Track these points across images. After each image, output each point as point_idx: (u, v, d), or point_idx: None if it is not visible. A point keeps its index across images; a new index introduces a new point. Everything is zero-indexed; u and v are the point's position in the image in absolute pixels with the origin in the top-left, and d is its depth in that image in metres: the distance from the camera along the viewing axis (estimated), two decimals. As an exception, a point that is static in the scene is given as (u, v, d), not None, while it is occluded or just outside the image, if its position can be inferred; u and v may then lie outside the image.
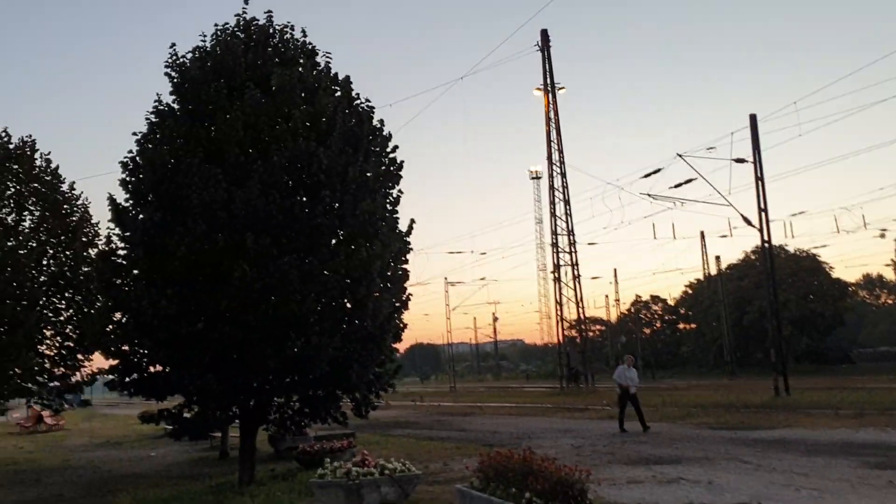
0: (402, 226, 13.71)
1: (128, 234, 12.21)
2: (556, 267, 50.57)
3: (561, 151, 50.60)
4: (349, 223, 12.04)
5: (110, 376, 12.95)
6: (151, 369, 12.92)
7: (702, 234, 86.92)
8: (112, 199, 12.77)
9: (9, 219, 22.10)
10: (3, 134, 22.87)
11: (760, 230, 29.66)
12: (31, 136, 25.19)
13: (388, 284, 13.30)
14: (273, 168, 11.74)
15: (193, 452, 21.77)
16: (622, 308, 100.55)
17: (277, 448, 19.15)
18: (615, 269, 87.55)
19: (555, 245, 50.45)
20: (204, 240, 11.53)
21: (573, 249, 50.29)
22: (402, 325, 14.17)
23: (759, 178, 28.87)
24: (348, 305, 12.17)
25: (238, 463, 13.59)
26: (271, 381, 12.07)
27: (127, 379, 12.58)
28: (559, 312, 50.60)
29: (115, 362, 13.02)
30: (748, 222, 28.41)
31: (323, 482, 9.70)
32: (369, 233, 12.23)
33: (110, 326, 12.94)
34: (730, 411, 25.45)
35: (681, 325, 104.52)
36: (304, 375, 12.16)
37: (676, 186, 25.82)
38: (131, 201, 12.69)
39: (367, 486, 9.44)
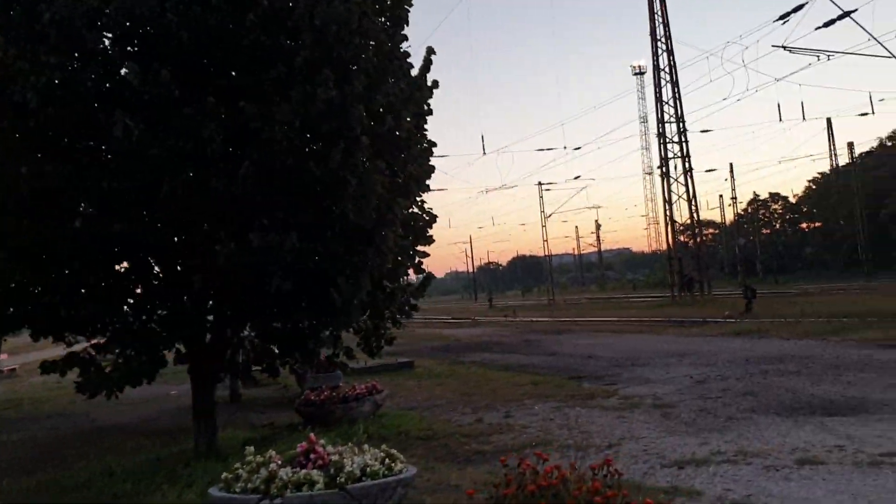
0: (417, 57, 8.81)
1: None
2: (664, 160, 44.23)
3: (666, 24, 43.58)
4: (306, 41, 7.18)
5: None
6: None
7: (828, 120, 77.54)
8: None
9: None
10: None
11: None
12: None
13: (399, 152, 8.47)
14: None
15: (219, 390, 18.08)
16: (739, 208, 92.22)
17: (303, 389, 15.04)
18: (731, 164, 78.87)
19: (661, 135, 43.97)
20: (66, 82, 6.97)
21: (683, 139, 43.74)
22: (426, 217, 9.42)
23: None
24: (317, 182, 7.40)
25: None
26: (204, 305, 7.62)
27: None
28: (668, 213, 44.54)
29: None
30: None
31: (222, 498, 5.24)
32: (342, 58, 7.37)
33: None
34: (897, 322, 19.60)
35: (803, 225, 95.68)
36: (252, 297, 7.62)
37: (825, 25, 19.52)
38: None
39: (298, 508, 4.93)
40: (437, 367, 18.40)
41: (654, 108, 44.90)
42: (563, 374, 15.48)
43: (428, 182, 9.32)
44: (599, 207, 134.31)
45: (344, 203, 7.34)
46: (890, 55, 20.80)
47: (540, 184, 71.07)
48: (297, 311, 7.86)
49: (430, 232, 9.69)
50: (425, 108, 8.96)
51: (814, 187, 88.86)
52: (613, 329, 27.44)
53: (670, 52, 43.97)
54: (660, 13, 44.04)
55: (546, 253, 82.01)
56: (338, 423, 10.42)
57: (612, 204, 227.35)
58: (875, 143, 78.82)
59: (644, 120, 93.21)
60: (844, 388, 10.83)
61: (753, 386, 11.72)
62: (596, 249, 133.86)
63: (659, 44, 44.25)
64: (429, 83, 8.95)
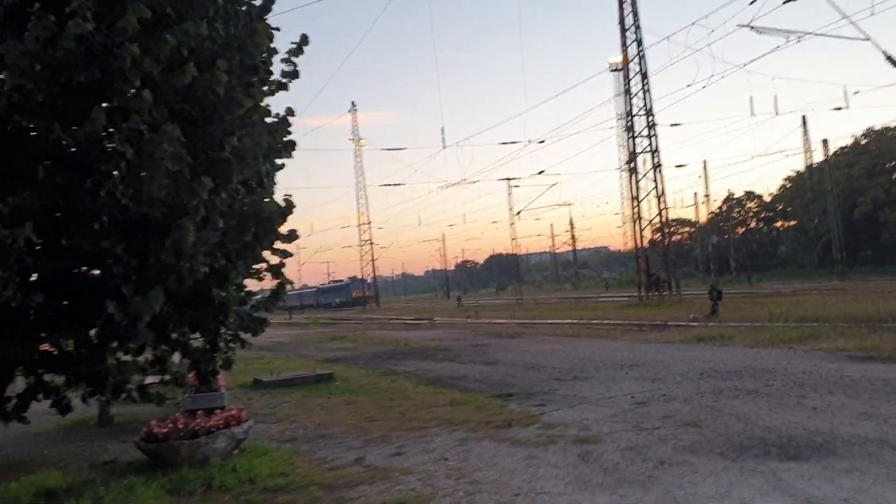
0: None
1: None
2: (632, 155, 42.44)
3: (636, 13, 41.75)
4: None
5: None
6: None
7: (803, 118, 76.47)
8: None
9: None
10: None
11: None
12: None
13: (215, 117, 6.39)
14: None
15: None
16: (713, 206, 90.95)
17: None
18: (704, 161, 77.27)
19: (630, 128, 42.18)
20: None
21: (652, 133, 41.97)
22: (278, 207, 7.38)
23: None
24: (73, 153, 5.32)
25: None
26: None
27: None
28: (636, 209, 42.77)
29: None
30: (893, 62, 19.98)
31: None
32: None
33: None
34: (871, 328, 17.83)
35: (778, 223, 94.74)
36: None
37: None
38: None
39: None
40: (360, 380, 16.35)
41: (623, 101, 43.16)
42: (494, 389, 13.51)
43: (281, 161, 7.28)
44: (571, 205, 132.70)
45: (113, 183, 5.26)
46: (864, 37, 19.03)
47: (508, 179, 69.06)
48: (59, 331, 5.78)
49: (287, 225, 7.62)
50: (272, 65, 6.92)
51: (788, 185, 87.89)
52: (570, 333, 25.53)
53: (640, 43, 42.21)
54: (629, 1, 42.24)
55: (515, 250, 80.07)
56: (184, 464, 8.37)
57: (587, 201, 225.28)
58: (850, 141, 77.99)
59: (621, 117, 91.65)
60: (808, 418, 8.91)
61: (701, 411, 9.77)
62: (570, 248, 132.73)
63: (628, 34, 42.46)
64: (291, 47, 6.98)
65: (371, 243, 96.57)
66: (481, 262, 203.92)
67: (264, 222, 7.14)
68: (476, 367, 17.60)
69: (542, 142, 55.00)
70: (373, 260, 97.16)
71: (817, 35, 22.71)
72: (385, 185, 69.01)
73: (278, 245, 7.69)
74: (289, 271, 7.54)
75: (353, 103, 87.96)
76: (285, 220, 7.40)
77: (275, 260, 7.77)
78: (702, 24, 66.12)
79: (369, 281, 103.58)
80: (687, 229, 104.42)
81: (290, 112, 7.46)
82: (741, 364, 14.08)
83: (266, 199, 7.22)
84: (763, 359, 14.65)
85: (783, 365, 13.58)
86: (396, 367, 18.78)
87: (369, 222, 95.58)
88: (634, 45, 42.02)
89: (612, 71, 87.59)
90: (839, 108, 43.98)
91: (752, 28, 20.80)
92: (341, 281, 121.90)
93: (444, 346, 24.55)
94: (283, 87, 7.77)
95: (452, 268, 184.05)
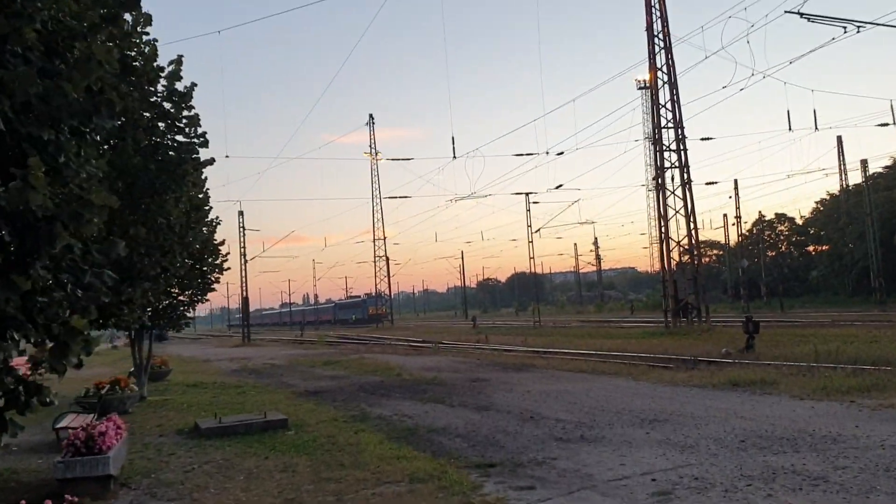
0: None
1: None
2: (660, 170, 39.29)
3: (664, 19, 38.76)
4: None
5: None
6: None
7: (839, 138, 72.76)
8: None
9: None
10: None
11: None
12: None
13: None
14: None
15: None
16: (744, 227, 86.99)
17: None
18: (735, 180, 73.40)
19: (657, 142, 39.07)
20: None
21: (681, 147, 38.79)
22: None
23: None
24: None
25: None
26: None
27: None
28: (663, 229, 39.55)
29: None
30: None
31: None
32: None
33: None
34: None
35: (810, 248, 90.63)
36: None
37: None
38: None
39: None
40: (319, 428, 13.41)
41: (651, 112, 40.12)
42: (474, 453, 10.54)
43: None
44: (593, 223, 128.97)
45: None
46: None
47: (526, 194, 66.00)
48: None
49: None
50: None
51: (821, 208, 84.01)
52: (584, 368, 22.38)
53: (668, 50, 39.16)
54: (657, 6, 39.28)
55: (535, 269, 76.94)
56: None
57: (611, 220, 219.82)
58: (889, 161, 74.23)
59: (648, 136, 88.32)
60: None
61: (752, 520, 6.73)
62: (595, 268, 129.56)
63: (656, 40, 39.46)
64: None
65: (387, 259, 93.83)
66: (503, 280, 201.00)
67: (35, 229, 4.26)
68: (465, 412, 14.62)
69: (561, 153, 51.85)
70: (388, 276, 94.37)
71: (877, 25, 19.57)
72: (391, 197, 66.03)
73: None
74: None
75: (370, 116, 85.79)
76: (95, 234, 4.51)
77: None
78: (740, 17, 61.98)
79: (387, 297, 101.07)
80: (715, 251, 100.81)
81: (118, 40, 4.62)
82: (793, 426, 10.99)
83: (52, 196, 4.28)
84: (820, 419, 11.54)
85: (850, 430, 10.48)
86: (372, 409, 15.84)
87: (384, 238, 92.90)
88: (663, 52, 38.99)
89: (640, 89, 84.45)
90: (885, 124, 40.58)
91: (801, 15, 17.79)
92: (358, 297, 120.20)
93: (440, 378, 21.59)
94: (118, 16, 4.95)
95: (474, 285, 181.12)
